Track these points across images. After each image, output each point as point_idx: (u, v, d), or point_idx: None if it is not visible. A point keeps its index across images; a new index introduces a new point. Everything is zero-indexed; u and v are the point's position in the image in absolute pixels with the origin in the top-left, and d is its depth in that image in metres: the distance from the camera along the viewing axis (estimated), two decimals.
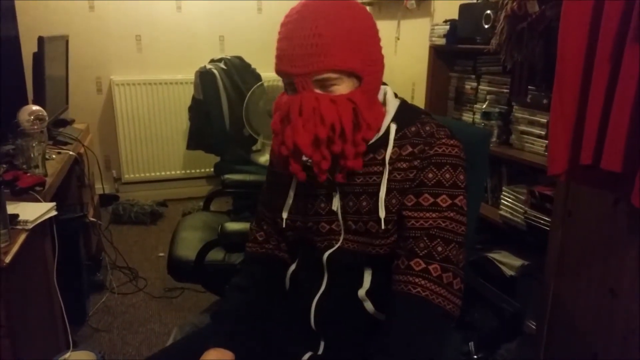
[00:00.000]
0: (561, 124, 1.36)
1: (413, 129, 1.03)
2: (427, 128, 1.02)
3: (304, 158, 0.99)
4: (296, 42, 0.91)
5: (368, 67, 0.97)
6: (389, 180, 1.01)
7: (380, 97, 1.08)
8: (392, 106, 1.06)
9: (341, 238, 1.07)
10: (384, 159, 1.02)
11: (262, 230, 1.21)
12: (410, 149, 1.01)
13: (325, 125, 0.93)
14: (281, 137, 0.97)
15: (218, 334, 1.08)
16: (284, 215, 1.12)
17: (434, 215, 0.97)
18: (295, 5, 0.95)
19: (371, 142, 1.03)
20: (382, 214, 1.00)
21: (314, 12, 0.92)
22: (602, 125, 1.26)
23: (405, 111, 1.07)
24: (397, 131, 1.03)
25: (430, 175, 0.99)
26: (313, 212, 1.09)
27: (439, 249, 0.96)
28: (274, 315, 1.17)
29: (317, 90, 0.95)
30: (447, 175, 0.98)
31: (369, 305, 1.06)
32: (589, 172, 1.33)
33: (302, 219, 1.10)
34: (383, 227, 1.00)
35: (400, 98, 1.11)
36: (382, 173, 1.02)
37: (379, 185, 1.02)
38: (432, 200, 0.98)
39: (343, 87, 0.95)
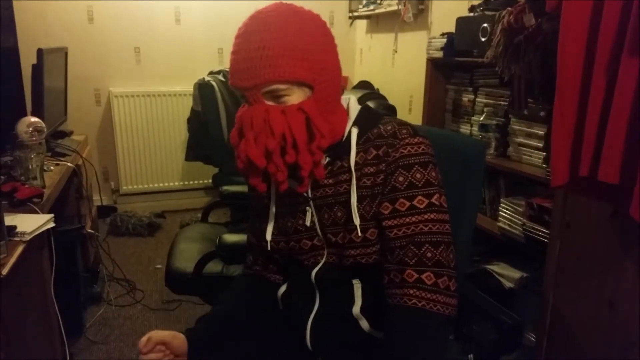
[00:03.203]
0: (563, 135, 1.36)
1: (375, 130, 1.02)
2: (389, 127, 1.01)
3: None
4: (243, 55, 0.93)
5: (318, 77, 0.96)
6: (359, 187, 1.00)
7: (344, 104, 1.08)
8: (353, 112, 1.06)
9: (325, 253, 1.06)
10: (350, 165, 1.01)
11: (250, 254, 1.24)
12: (374, 152, 1.00)
13: (275, 136, 0.93)
14: (237, 151, 0.97)
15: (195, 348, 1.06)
16: (268, 237, 1.12)
17: (414, 219, 0.96)
18: (246, 19, 0.97)
19: (334, 149, 1.02)
20: (356, 221, 0.99)
21: (259, 24, 0.93)
22: (600, 136, 1.26)
23: (367, 115, 1.06)
24: (359, 135, 1.02)
25: (401, 178, 0.97)
26: (293, 231, 1.08)
27: (429, 254, 0.95)
28: (268, 336, 1.17)
29: (270, 102, 0.95)
30: (418, 175, 0.97)
31: (364, 324, 1.05)
32: (588, 183, 1.32)
33: (285, 238, 1.10)
34: (360, 234, 0.99)
35: (363, 105, 1.10)
36: (350, 180, 1.01)
37: (349, 193, 1.01)
38: (408, 203, 0.97)
39: (294, 97, 0.95)
